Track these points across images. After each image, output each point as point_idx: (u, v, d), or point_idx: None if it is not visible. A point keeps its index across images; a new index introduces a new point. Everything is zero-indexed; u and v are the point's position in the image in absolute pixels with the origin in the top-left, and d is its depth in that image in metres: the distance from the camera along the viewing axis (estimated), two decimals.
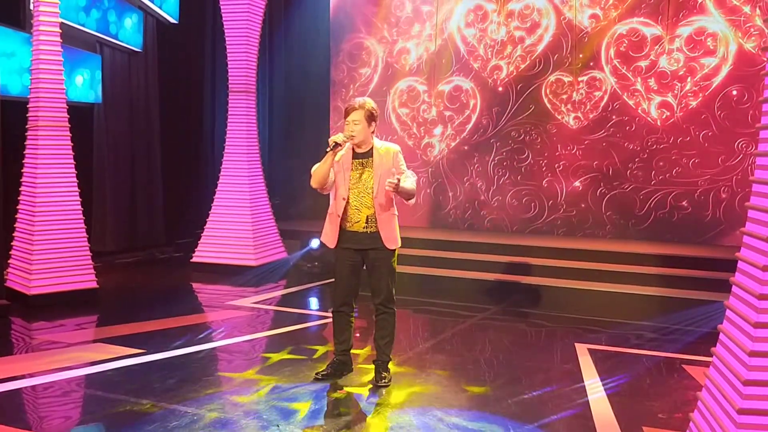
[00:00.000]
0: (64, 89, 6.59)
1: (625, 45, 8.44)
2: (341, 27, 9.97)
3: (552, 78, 8.83)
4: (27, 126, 6.52)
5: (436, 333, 5.99)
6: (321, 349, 5.11)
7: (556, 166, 8.83)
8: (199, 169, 10.23)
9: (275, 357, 4.92)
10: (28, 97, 6.56)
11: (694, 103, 8.18)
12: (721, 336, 2.89)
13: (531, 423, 3.77)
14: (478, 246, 8.06)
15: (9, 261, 6.56)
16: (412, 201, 4.35)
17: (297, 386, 4.29)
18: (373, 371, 4.46)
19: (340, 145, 4.18)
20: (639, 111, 8.43)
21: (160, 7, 9.35)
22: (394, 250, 4.31)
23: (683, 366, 4.93)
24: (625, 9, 8.44)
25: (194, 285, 7.75)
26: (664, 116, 8.32)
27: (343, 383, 4.37)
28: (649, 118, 8.39)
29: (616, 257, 7.42)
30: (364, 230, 4.25)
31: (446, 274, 7.67)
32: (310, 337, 5.72)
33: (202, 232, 8.48)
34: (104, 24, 8.58)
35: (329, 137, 4.70)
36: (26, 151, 6.57)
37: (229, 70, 8.36)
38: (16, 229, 6.60)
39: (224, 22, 8.29)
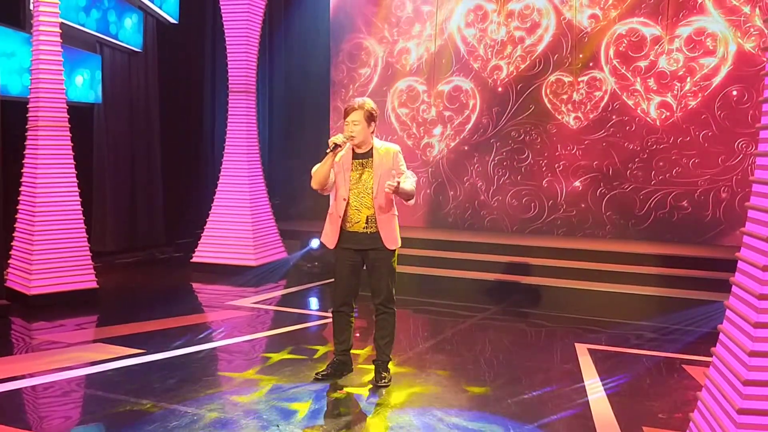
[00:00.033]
0: (64, 89, 6.59)
1: (624, 45, 8.45)
2: (341, 27, 9.97)
3: (552, 78, 8.83)
4: (27, 126, 6.52)
5: (436, 333, 5.99)
6: (321, 349, 5.11)
7: (556, 166, 8.83)
8: (199, 169, 10.23)
9: (275, 357, 4.92)
10: (28, 97, 6.56)
11: (693, 103, 8.18)
12: (721, 336, 2.89)
13: (531, 423, 3.77)
14: (478, 246, 8.06)
15: (9, 261, 6.56)
16: (412, 201, 4.35)
17: (297, 386, 4.29)
18: (373, 371, 4.46)
19: (340, 146, 4.18)
20: (638, 111, 8.43)
21: (160, 7, 9.35)
22: (394, 250, 4.31)
23: (683, 366, 4.93)
24: (624, 9, 8.44)
25: (194, 285, 7.75)
26: (663, 116, 8.33)
27: (343, 383, 4.37)
28: (648, 118, 8.39)
29: (616, 257, 7.42)
30: (364, 230, 4.25)
31: (446, 274, 7.68)
32: (310, 337, 5.72)
33: (202, 232, 8.48)
34: (104, 24, 8.59)
35: (329, 137, 4.71)
36: (26, 151, 6.57)
37: (229, 70, 8.36)
38: (16, 229, 6.60)
39: (224, 22, 8.29)
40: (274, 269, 8.26)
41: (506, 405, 4.05)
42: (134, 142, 9.48)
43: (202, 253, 8.36)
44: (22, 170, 6.61)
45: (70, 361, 4.73)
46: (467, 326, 6.08)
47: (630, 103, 8.47)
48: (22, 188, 6.60)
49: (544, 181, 8.92)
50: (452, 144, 9.43)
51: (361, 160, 4.26)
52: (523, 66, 8.97)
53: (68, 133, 6.61)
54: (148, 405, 3.91)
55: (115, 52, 9.10)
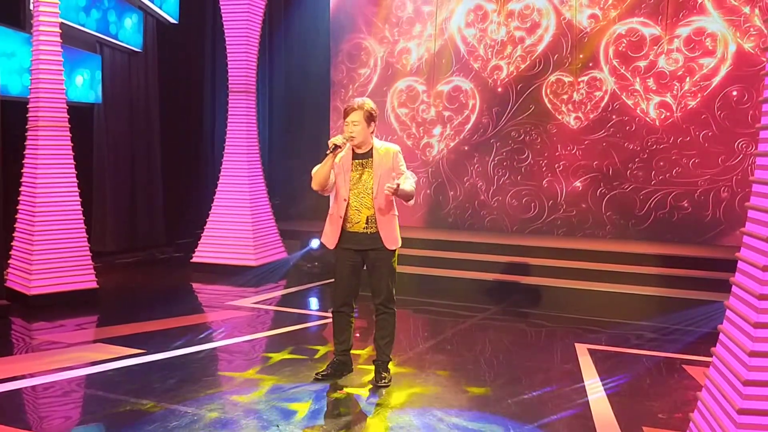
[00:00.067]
0: (64, 89, 6.59)
1: (624, 45, 8.45)
2: (341, 27, 9.97)
3: (552, 78, 8.83)
4: (27, 126, 6.52)
5: (436, 333, 5.99)
6: (322, 350, 5.11)
7: (556, 166, 8.83)
8: (199, 169, 10.23)
9: (276, 357, 4.92)
10: (28, 97, 6.56)
11: (693, 104, 8.18)
12: (721, 336, 2.89)
13: (531, 423, 3.77)
14: (478, 246, 8.06)
15: (9, 261, 6.56)
16: (412, 202, 4.35)
17: (297, 386, 4.29)
18: (373, 371, 4.46)
19: (340, 147, 4.17)
20: (638, 111, 8.43)
21: (160, 7, 9.35)
22: (395, 250, 4.31)
23: (683, 366, 4.93)
24: (624, 9, 8.44)
25: (194, 285, 7.75)
26: (662, 116, 8.33)
27: (343, 383, 4.37)
28: (647, 118, 8.40)
29: (616, 257, 7.42)
30: (365, 231, 4.25)
31: (446, 274, 7.68)
32: (310, 338, 5.72)
33: (202, 232, 8.48)
34: (104, 24, 8.59)
35: (329, 137, 4.71)
36: (26, 152, 6.57)
37: (229, 70, 8.36)
38: (16, 229, 6.60)
39: (224, 22, 8.29)
40: (274, 269, 8.26)
41: (506, 405, 4.05)
42: (134, 142, 9.48)
43: (202, 253, 8.36)
44: (22, 170, 6.61)
45: (71, 361, 4.73)
46: (467, 326, 6.08)
47: (629, 103, 8.47)
48: (22, 188, 6.60)
49: (544, 181, 8.92)
50: (452, 144, 9.43)
51: (361, 161, 4.26)
52: (523, 66, 8.97)
53: (68, 133, 6.62)
54: (149, 405, 3.91)
55: (115, 52, 9.10)
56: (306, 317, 6.53)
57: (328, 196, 4.48)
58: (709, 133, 8.12)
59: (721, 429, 2.67)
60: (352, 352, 4.60)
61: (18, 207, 6.60)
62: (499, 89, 9.13)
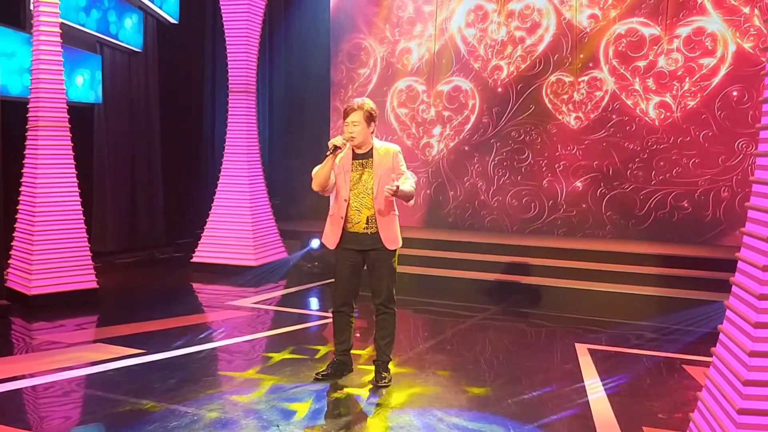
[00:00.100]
0: (64, 89, 6.60)
1: (623, 45, 8.45)
2: (341, 27, 9.97)
3: (552, 78, 8.83)
4: (27, 126, 6.52)
5: (436, 333, 5.99)
6: (322, 350, 5.11)
7: (557, 166, 8.83)
8: (199, 169, 10.24)
9: (276, 357, 4.92)
10: (29, 97, 6.56)
11: (692, 104, 8.18)
12: (721, 336, 2.89)
13: (531, 423, 3.78)
14: (478, 246, 8.06)
15: (9, 261, 6.56)
16: (412, 202, 4.35)
17: (297, 386, 4.29)
18: (373, 371, 4.46)
19: (340, 148, 4.17)
20: (638, 111, 8.43)
21: (160, 8, 9.36)
22: (395, 250, 4.31)
23: (683, 366, 4.93)
24: (624, 9, 8.44)
25: (194, 285, 7.75)
26: (662, 116, 8.33)
27: (343, 383, 4.37)
28: (647, 118, 8.40)
29: (617, 257, 7.42)
30: (365, 231, 4.25)
31: (446, 274, 7.68)
32: (310, 338, 5.72)
33: (203, 233, 8.48)
34: (104, 24, 8.59)
35: (329, 137, 4.70)
36: (26, 152, 6.57)
37: (229, 70, 8.36)
38: (16, 229, 6.60)
39: (224, 22, 8.29)
40: (275, 269, 8.26)
41: (506, 405, 4.05)
42: (134, 142, 9.48)
43: (203, 253, 8.36)
44: (23, 170, 6.61)
45: (71, 361, 4.73)
46: (467, 326, 6.08)
47: (629, 103, 8.47)
48: (22, 188, 6.60)
49: (544, 181, 8.92)
50: (452, 144, 9.43)
51: (361, 161, 4.26)
52: (523, 66, 8.97)
53: (68, 133, 6.62)
54: (149, 405, 3.91)
55: (116, 52, 9.11)
56: (306, 317, 6.53)
57: (329, 197, 4.48)
58: (710, 133, 8.12)
59: (721, 429, 2.67)
60: (352, 352, 4.60)
61: (18, 207, 6.61)
62: (500, 89, 9.13)
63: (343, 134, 4.21)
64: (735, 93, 7.97)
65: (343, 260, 4.33)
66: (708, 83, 8.10)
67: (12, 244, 6.61)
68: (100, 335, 5.58)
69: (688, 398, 4.17)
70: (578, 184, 8.75)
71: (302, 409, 3.92)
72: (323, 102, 10.11)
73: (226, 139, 8.41)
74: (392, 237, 4.27)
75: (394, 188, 4.00)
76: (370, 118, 4.21)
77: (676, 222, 8.29)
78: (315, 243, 8.49)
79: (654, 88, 8.33)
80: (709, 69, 8.08)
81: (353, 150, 4.27)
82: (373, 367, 4.49)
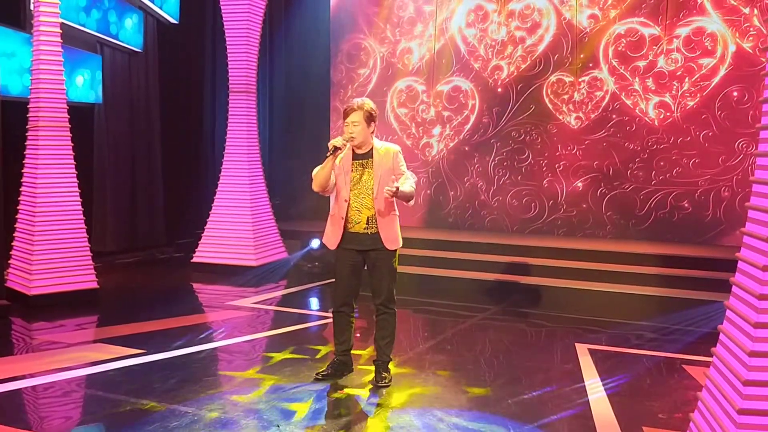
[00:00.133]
0: (64, 89, 6.60)
1: (623, 45, 8.45)
2: (341, 27, 9.97)
3: (553, 78, 8.83)
4: (27, 126, 6.52)
5: (436, 333, 5.99)
6: (323, 350, 5.11)
7: (557, 166, 8.83)
8: (199, 169, 10.24)
9: (276, 357, 4.92)
10: (29, 97, 6.57)
11: (692, 104, 8.18)
12: (721, 336, 2.89)
13: (531, 423, 3.78)
14: (478, 246, 8.06)
15: (9, 261, 6.57)
16: (412, 202, 4.35)
17: (297, 386, 4.30)
18: (374, 371, 4.46)
19: (340, 148, 4.17)
20: (637, 111, 8.43)
21: (161, 8, 9.36)
22: (395, 250, 4.31)
23: (683, 366, 4.93)
24: (624, 9, 8.44)
25: (194, 285, 7.75)
26: (661, 116, 8.33)
27: (343, 383, 4.37)
28: (647, 119, 8.40)
29: (617, 257, 7.42)
30: (365, 231, 4.25)
31: (446, 274, 7.68)
32: (311, 338, 5.72)
33: (203, 233, 8.49)
34: (104, 24, 8.59)
35: (329, 138, 4.70)
36: (27, 152, 6.57)
37: (230, 70, 8.36)
38: (17, 229, 6.60)
39: (224, 22, 8.30)
40: (275, 269, 8.26)
41: (506, 405, 4.05)
42: (135, 142, 9.49)
43: (203, 253, 8.36)
44: (23, 170, 6.62)
45: (71, 361, 4.73)
46: (467, 326, 6.08)
47: (628, 102, 8.47)
48: (22, 188, 6.61)
49: (544, 181, 8.92)
50: (451, 144, 9.43)
51: (361, 161, 4.26)
52: (523, 66, 8.97)
53: (69, 134, 6.62)
54: (149, 405, 3.91)
55: (116, 52, 9.11)
56: (306, 317, 6.54)
57: (329, 197, 4.48)
58: (710, 133, 8.12)
59: (721, 429, 2.67)
60: (352, 352, 4.60)
61: (18, 207, 6.61)
62: (500, 89, 9.13)
63: (343, 134, 4.21)
64: (735, 93, 7.97)
65: (343, 260, 4.33)
66: (708, 83, 8.10)
67: (12, 244, 6.61)
68: (101, 335, 5.58)
69: (688, 398, 4.17)
70: (578, 184, 8.75)
71: (302, 409, 3.92)
72: (323, 102, 10.11)
73: (227, 139, 8.42)
74: (392, 237, 4.27)
75: (394, 190, 4.00)
76: (370, 118, 4.21)
77: (676, 222, 8.29)
78: (315, 243, 8.49)
79: (654, 88, 8.33)
80: (709, 69, 8.08)
81: (353, 150, 4.27)
82: (373, 367, 4.49)
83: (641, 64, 8.37)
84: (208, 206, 8.51)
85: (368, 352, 4.99)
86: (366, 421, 3.79)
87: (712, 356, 2.94)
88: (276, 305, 6.95)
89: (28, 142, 6.54)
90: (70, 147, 6.63)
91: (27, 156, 6.56)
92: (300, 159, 9.20)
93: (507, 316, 6.52)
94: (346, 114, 4.21)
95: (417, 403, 4.07)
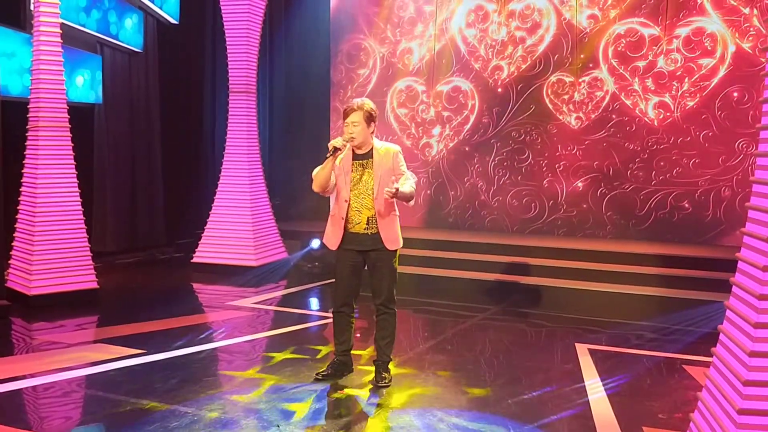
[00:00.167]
0: (64, 90, 6.60)
1: (623, 45, 8.45)
2: (341, 27, 9.97)
3: (553, 78, 8.83)
4: (27, 126, 6.53)
5: (436, 333, 5.99)
6: (323, 350, 5.11)
7: (557, 166, 8.83)
8: (199, 169, 10.24)
9: (276, 357, 4.92)
10: (29, 97, 6.57)
11: (692, 104, 8.18)
12: (721, 336, 2.89)
13: (531, 423, 3.78)
14: (478, 246, 8.06)
15: (9, 261, 6.57)
16: (412, 202, 4.35)
17: (297, 387, 4.30)
18: (374, 372, 4.46)
19: (340, 149, 4.17)
20: (637, 111, 8.44)
21: (161, 8, 9.36)
22: (396, 250, 4.31)
23: (683, 366, 4.93)
24: (624, 9, 8.44)
25: (195, 285, 7.75)
26: (661, 116, 8.33)
27: (343, 384, 4.37)
28: (646, 119, 8.40)
29: (617, 257, 7.42)
30: (365, 231, 4.25)
31: (446, 274, 7.68)
32: (311, 338, 5.72)
33: (203, 233, 8.49)
34: (105, 24, 8.59)
35: (329, 138, 4.70)
36: (27, 152, 6.57)
37: (230, 71, 8.36)
38: (17, 229, 6.60)
39: (224, 23, 8.30)
40: (275, 269, 8.26)
41: (506, 405, 4.05)
42: (135, 142, 9.49)
43: (203, 254, 8.37)
44: (23, 170, 6.62)
45: (71, 361, 4.73)
46: (467, 326, 6.08)
47: (628, 103, 8.47)
48: (22, 188, 6.61)
49: (544, 182, 8.92)
50: (451, 144, 9.43)
51: (361, 161, 4.26)
52: (524, 66, 8.97)
53: (69, 134, 6.62)
54: (149, 405, 3.91)
55: (116, 52, 9.11)
56: (306, 317, 6.54)
57: (329, 197, 4.48)
58: (710, 134, 8.12)
59: (721, 429, 2.67)
60: (352, 352, 4.60)
61: (18, 207, 6.61)
62: (500, 89, 9.13)
63: (343, 135, 4.21)
64: (735, 93, 7.97)
65: (343, 260, 4.33)
66: (707, 83, 8.10)
67: (12, 244, 6.61)
68: (101, 335, 5.58)
69: (688, 398, 4.17)
70: (578, 184, 8.76)
71: (302, 409, 3.92)
72: (323, 102, 10.11)
73: (227, 139, 8.42)
74: (393, 237, 4.27)
75: (393, 191, 4.00)
76: (370, 118, 4.21)
77: (676, 222, 8.29)
78: (315, 243, 8.50)
79: (653, 89, 8.34)
80: (709, 69, 8.08)
81: (353, 150, 4.27)
82: (373, 368, 4.49)
83: (641, 64, 8.38)
84: (208, 206, 8.51)
85: (368, 352, 5.00)
86: (366, 422, 3.79)
87: (712, 356, 2.94)
88: (276, 305, 6.95)
89: (28, 142, 6.54)
90: (70, 147, 6.63)
91: (27, 156, 6.56)
92: (300, 159, 9.20)
93: (507, 316, 6.52)
94: (346, 114, 4.21)
95: (417, 403, 4.07)
